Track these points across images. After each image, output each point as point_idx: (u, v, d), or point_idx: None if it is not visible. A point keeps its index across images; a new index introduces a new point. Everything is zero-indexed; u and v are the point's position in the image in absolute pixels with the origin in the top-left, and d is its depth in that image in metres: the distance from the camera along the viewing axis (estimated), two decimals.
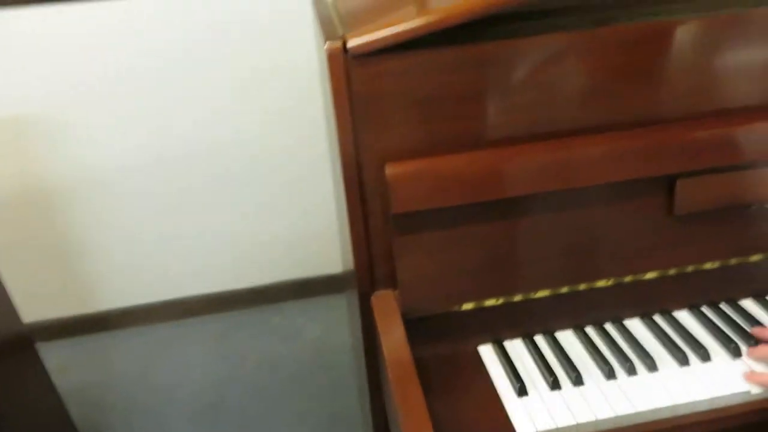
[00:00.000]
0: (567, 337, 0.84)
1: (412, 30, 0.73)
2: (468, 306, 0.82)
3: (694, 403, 0.73)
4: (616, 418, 0.71)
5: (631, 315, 0.86)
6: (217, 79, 1.66)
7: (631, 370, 0.77)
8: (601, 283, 0.85)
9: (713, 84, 0.82)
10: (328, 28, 0.79)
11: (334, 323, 1.88)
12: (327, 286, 2.01)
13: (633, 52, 0.78)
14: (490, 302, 0.83)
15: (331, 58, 0.74)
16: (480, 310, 0.83)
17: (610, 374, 0.76)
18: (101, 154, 1.71)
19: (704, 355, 0.78)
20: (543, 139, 0.79)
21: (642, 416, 0.72)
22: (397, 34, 0.73)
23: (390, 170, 0.75)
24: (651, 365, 0.77)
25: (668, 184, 0.81)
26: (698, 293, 0.88)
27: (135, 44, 1.59)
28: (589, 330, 0.84)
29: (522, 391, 0.75)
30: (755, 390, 0.73)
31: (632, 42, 0.78)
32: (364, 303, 0.84)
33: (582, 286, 0.85)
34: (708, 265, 0.86)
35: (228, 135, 1.75)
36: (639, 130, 0.80)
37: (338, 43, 0.74)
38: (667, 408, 0.72)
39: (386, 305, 0.81)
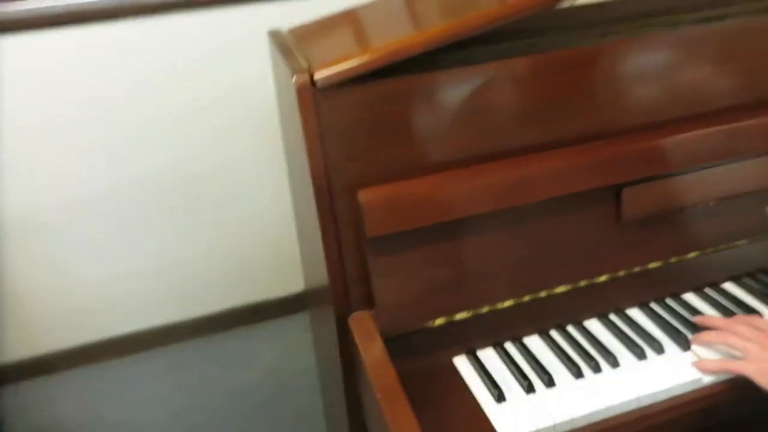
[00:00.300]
0: (534, 342, 0.89)
1: (375, 60, 0.77)
2: (440, 321, 0.85)
3: (655, 394, 0.79)
4: (590, 414, 0.77)
5: (590, 316, 0.92)
6: (157, 109, 1.65)
7: (597, 368, 0.83)
8: (560, 289, 0.91)
9: (644, 100, 0.90)
10: (293, 61, 0.82)
11: (291, 346, 1.88)
12: (280, 309, 2.01)
13: (571, 75, 0.85)
14: (461, 315, 0.87)
15: (300, 90, 0.76)
16: (451, 324, 0.87)
17: (578, 374, 0.82)
18: (35, 194, 1.65)
19: (659, 348, 0.85)
20: (502, 157, 0.84)
21: (612, 410, 0.77)
22: (360, 66, 0.77)
23: (363, 196, 0.78)
24: (613, 362, 0.83)
25: (615, 193, 0.88)
26: (646, 291, 0.95)
27: (74, 77, 1.55)
28: (554, 333, 0.90)
29: (500, 397, 0.79)
30: (706, 378, 0.81)
31: (568, 66, 0.84)
32: (341, 326, 0.86)
33: (543, 294, 0.90)
34: (652, 265, 0.94)
35: (168, 164, 1.73)
36: (585, 146, 0.87)
37: (306, 77, 0.76)
38: (633, 400, 0.78)
39: (364, 326, 0.83)
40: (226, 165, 1.77)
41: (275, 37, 0.96)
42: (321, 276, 0.89)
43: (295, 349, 1.86)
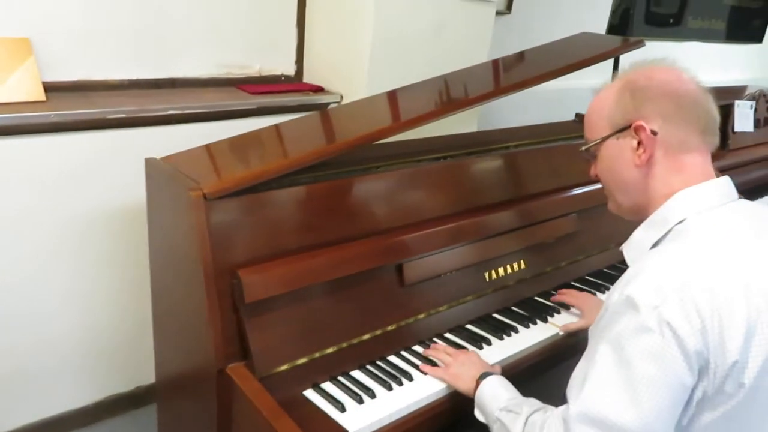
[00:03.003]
0: (357, 373, 1.26)
1: (252, 176, 1.14)
2: (301, 360, 1.19)
3: (426, 398, 1.22)
4: (400, 410, 1.16)
5: (389, 354, 1.33)
6: None
7: (399, 384, 1.23)
8: (366, 336, 1.31)
9: (401, 209, 1.41)
10: (183, 180, 1.14)
11: None
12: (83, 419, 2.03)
13: (365, 192, 1.32)
14: (303, 360, 1.21)
15: (195, 201, 1.09)
16: (297, 368, 1.20)
17: (389, 388, 1.21)
18: None
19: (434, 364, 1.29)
20: (328, 246, 1.25)
21: (415, 405, 1.18)
22: (240, 180, 1.13)
23: (242, 273, 1.11)
24: (409, 378, 1.25)
25: (397, 267, 1.34)
26: (421, 334, 1.41)
27: None
28: (369, 366, 1.28)
29: (343, 409, 1.15)
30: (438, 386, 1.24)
31: (371, 185, 1.32)
32: (220, 378, 1.13)
33: (355, 340, 1.30)
34: (421, 315, 1.41)
35: None
36: (376, 239, 1.33)
37: (199, 192, 1.09)
38: (420, 400, 1.20)
39: (240, 371, 1.13)
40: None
41: (153, 163, 1.26)
42: (200, 342, 1.16)
43: None
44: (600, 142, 1.04)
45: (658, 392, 0.84)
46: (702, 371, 0.85)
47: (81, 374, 2.01)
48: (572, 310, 1.53)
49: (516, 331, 1.44)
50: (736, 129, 2.68)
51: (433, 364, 1.29)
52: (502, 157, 1.67)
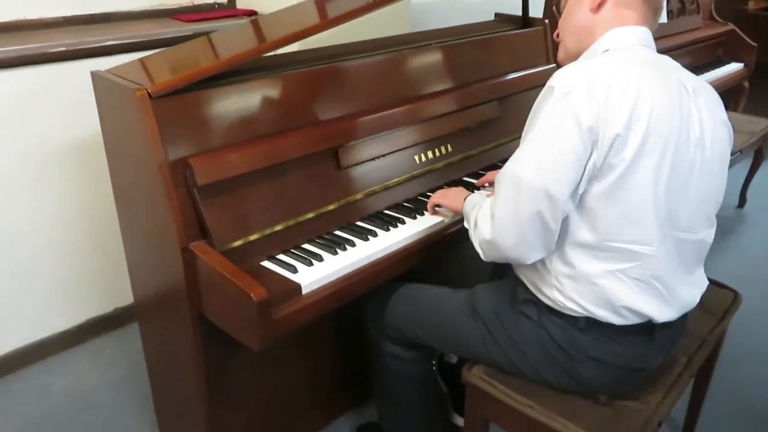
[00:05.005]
0: (308, 245, 1.44)
1: (190, 76, 1.27)
2: (254, 236, 1.36)
3: (366, 257, 1.41)
4: (344, 267, 1.36)
5: (335, 229, 1.51)
6: None
7: (343, 249, 1.42)
8: (309, 215, 1.48)
9: (335, 102, 1.56)
10: (128, 85, 1.26)
11: (83, 372, 2.09)
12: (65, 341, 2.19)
13: (302, 87, 1.47)
14: (255, 236, 1.38)
15: (142, 100, 1.22)
16: (252, 242, 1.37)
17: (334, 253, 1.40)
18: None
19: (373, 234, 1.48)
20: (269, 136, 1.40)
21: (354, 265, 1.37)
22: (172, 83, 1.26)
23: (193, 160, 1.26)
24: (351, 246, 1.44)
25: (334, 152, 1.51)
26: (356, 214, 1.59)
27: None
28: (317, 240, 1.46)
29: (295, 270, 1.33)
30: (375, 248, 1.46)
31: (300, 81, 1.46)
32: (186, 255, 1.29)
33: (301, 219, 1.46)
34: (359, 196, 1.58)
35: None
36: (312, 127, 1.49)
37: (144, 91, 1.23)
38: (360, 260, 1.39)
39: (202, 246, 1.29)
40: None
41: (99, 75, 1.37)
42: (164, 230, 1.31)
43: (86, 374, 2.08)
44: None
45: (557, 159, 1.09)
46: (594, 145, 1.08)
47: (60, 299, 2.15)
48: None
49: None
50: None
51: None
52: (429, 51, 1.82)
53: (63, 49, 1.93)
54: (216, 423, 1.53)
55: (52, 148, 1.99)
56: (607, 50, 1.20)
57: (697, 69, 3.24)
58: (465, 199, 1.41)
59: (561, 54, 1.34)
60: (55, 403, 1.97)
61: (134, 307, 1.74)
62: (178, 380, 1.57)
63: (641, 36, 1.21)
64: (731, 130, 1.24)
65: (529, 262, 1.21)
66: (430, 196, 1.68)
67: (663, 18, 3.10)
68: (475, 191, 1.48)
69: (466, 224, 1.37)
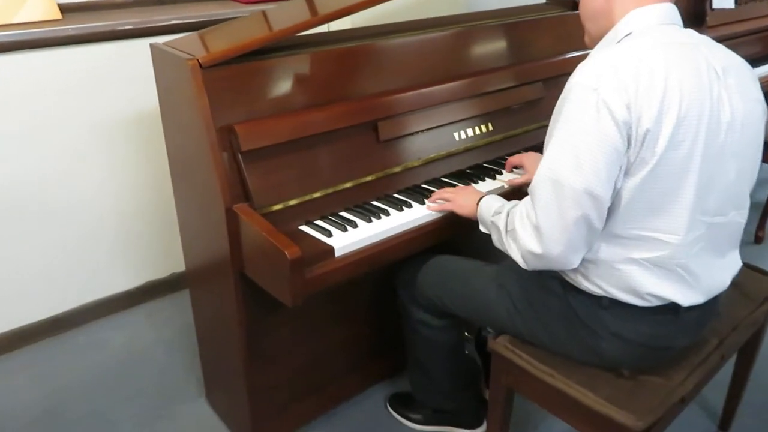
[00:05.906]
0: (344, 213, 1.51)
1: (240, 47, 1.36)
2: (293, 202, 1.44)
3: (398, 226, 1.46)
4: (376, 235, 1.41)
5: (371, 199, 1.57)
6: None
7: (378, 218, 1.47)
8: (347, 185, 1.55)
9: (379, 78, 1.62)
10: (182, 56, 1.36)
11: (141, 330, 2.25)
12: (126, 301, 2.35)
13: (347, 62, 1.53)
14: (295, 201, 1.46)
15: (193, 69, 1.31)
16: (293, 207, 1.45)
17: (369, 221, 1.46)
18: None
19: (408, 206, 1.53)
20: (316, 107, 1.48)
21: (387, 233, 1.43)
22: (228, 51, 1.35)
23: (238, 127, 1.35)
24: (386, 214, 1.49)
25: (374, 125, 1.57)
26: (397, 184, 1.64)
27: None
28: (355, 208, 1.53)
29: (330, 234, 1.40)
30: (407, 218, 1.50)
31: (346, 56, 1.53)
32: (229, 215, 1.38)
33: (340, 187, 1.53)
34: (398, 168, 1.63)
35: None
36: (353, 101, 1.55)
37: (195, 61, 1.32)
38: (393, 228, 1.45)
39: (244, 208, 1.38)
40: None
41: (157, 47, 1.48)
42: (210, 192, 1.41)
43: (144, 332, 2.24)
44: None
45: (596, 157, 1.06)
46: (629, 140, 1.07)
47: (121, 262, 2.31)
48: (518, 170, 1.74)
49: (478, 181, 1.67)
50: (715, 6, 2.76)
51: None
52: (476, 31, 1.85)
53: (130, 27, 2.07)
54: (255, 380, 1.62)
55: (117, 120, 2.14)
56: (629, 34, 1.16)
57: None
58: (478, 204, 1.39)
59: (587, 39, 1.31)
60: (114, 356, 2.13)
61: (186, 273, 1.86)
62: (222, 339, 1.68)
63: (663, 14, 1.16)
64: (765, 106, 1.21)
65: (575, 266, 1.19)
66: (469, 172, 1.72)
67: (730, 3, 3.01)
68: (487, 195, 1.42)
69: (483, 229, 1.38)
